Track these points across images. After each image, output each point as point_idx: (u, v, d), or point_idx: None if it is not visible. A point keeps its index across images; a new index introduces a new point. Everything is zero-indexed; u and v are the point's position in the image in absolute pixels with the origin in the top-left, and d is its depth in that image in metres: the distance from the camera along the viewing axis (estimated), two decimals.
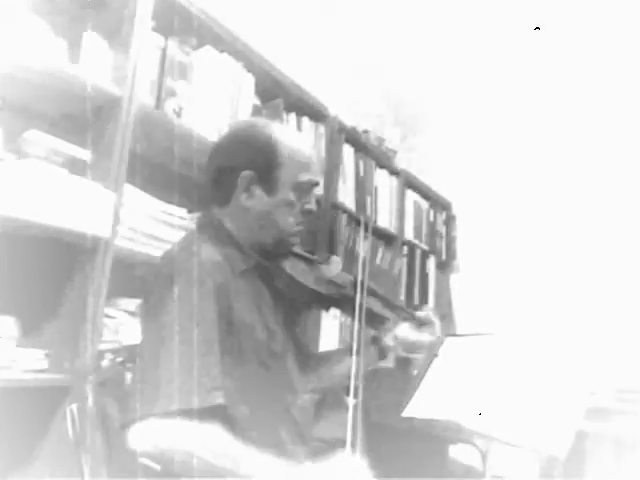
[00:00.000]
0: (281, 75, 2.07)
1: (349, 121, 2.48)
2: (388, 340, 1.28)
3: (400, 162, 2.88)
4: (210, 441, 0.93)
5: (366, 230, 2.38)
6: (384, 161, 2.75)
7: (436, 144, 3.09)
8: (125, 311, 1.56)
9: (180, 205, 1.67)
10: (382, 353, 1.29)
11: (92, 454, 1.08)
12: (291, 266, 1.21)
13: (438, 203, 3.23)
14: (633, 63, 2.65)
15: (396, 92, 2.99)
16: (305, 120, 2.23)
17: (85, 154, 1.43)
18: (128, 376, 1.13)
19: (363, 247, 2.36)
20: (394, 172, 2.83)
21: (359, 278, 1.25)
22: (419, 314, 1.29)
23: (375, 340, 1.29)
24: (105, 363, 1.18)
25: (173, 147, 1.64)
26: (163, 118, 1.64)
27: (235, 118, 1.83)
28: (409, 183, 2.96)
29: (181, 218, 1.67)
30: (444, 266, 3.22)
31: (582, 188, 2.76)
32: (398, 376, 1.90)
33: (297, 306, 1.29)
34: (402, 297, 2.82)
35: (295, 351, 1.21)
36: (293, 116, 2.17)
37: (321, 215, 2.27)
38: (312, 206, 1.22)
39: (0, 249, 1.33)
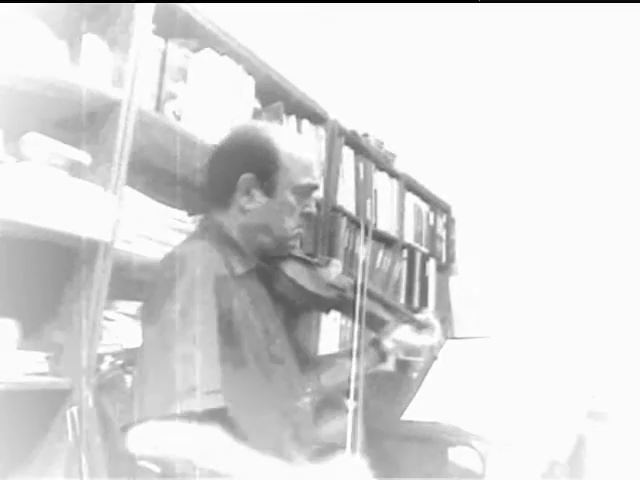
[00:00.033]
0: (281, 78, 2.08)
1: (349, 124, 2.48)
2: (388, 343, 1.28)
3: (400, 165, 2.89)
4: (210, 443, 0.93)
5: (366, 233, 2.39)
6: (384, 164, 2.75)
7: (436, 146, 3.09)
8: (125, 314, 1.56)
9: (180, 208, 1.68)
10: (382, 356, 1.29)
11: (92, 457, 1.08)
12: (291, 269, 1.21)
13: (438, 206, 3.23)
14: (631, 64, 2.66)
15: (396, 94, 2.99)
16: (305, 123, 2.23)
17: (85, 157, 1.43)
18: (128, 379, 1.13)
19: (363, 250, 2.36)
20: (394, 175, 2.83)
21: (359, 281, 1.25)
22: (419, 317, 1.29)
23: (375, 343, 1.29)
24: (105, 366, 1.18)
25: (173, 150, 1.64)
26: (163, 121, 1.64)
27: (235, 121, 1.83)
28: (409, 186, 2.96)
29: (181, 221, 1.67)
30: (444, 269, 3.22)
31: (582, 191, 2.76)
32: (398, 379, 1.90)
33: (297, 309, 1.29)
34: (402, 300, 2.82)
35: (295, 354, 1.21)
36: (293, 119, 2.17)
37: (321, 218, 2.27)
38: (312, 209, 1.22)
39: (1, 252, 1.33)
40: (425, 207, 3.13)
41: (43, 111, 1.46)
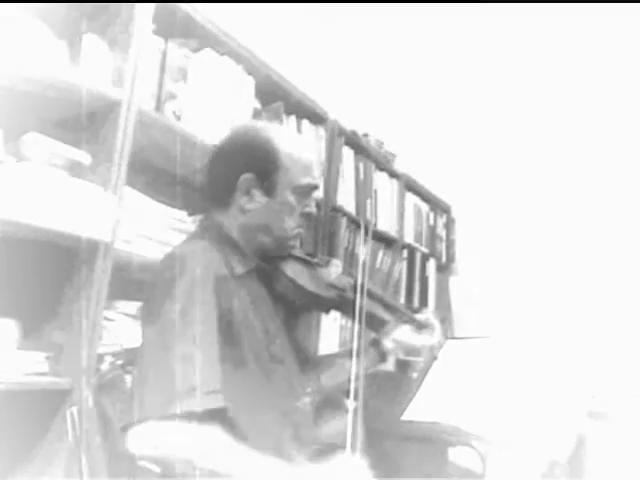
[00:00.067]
0: (281, 78, 2.08)
1: (349, 124, 2.48)
2: (388, 343, 1.28)
3: (400, 165, 2.89)
4: (210, 443, 0.93)
5: (366, 233, 2.39)
6: (384, 164, 2.75)
7: (436, 146, 3.09)
8: (125, 314, 1.56)
9: (180, 208, 1.68)
10: (382, 356, 1.29)
11: (92, 457, 1.08)
12: (291, 269, 1.21)
13: (438, 206, 3.23)
14: (631, 64, 2.66)
15: (396, 94, 2.99)
16: (305, 123, 2.23)
17: (85, 157, 1.43)
18: (128, 379, 1.13)
19: (363, 250, 2.36)
20: (394, 175, 2.83)
21: (359, 281, 1.25)
22: (419, 317, 1.29)
23: (375, 343, 1.29)
24: (105, 366, 1.18)
25: (173, 150, 1.64)
26: (163, 121, 1.64)
27: (235, 121, 1.83)
28: (409, 186, 2.96)
29: (181, 221, 1.67)
30: (444, 269, 3.22)
31: (581, 191, 2.76)
32: (398, 379, 1.90)
33: (297, 309, 1.29)
34: (402, 300, 2.82)
35: (295, 354, 1.21)
36: (293, 119, 2.17)
37: (321, 218, 2.27)
38: (312, 209, 1.22)
39: (1, 252, 1.33)
40: (425, 207, 3.13)
41: (43, 111, 1.46)
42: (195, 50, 1.77)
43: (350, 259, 2.39)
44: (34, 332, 1.40)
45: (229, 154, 1.20)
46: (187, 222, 1.68)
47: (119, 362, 1.17)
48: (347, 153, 2.48)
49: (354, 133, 2.53)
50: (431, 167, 3.08)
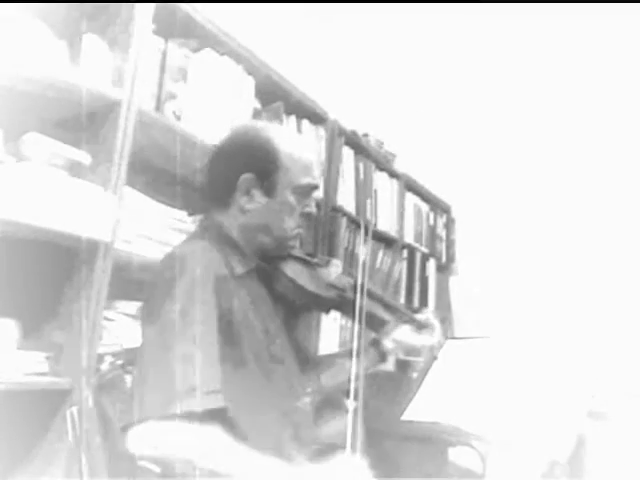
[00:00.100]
0: (281, 78, 2.08)
1: (349, 124, 2.48)
2: (388, 343, 1.28)
3: (400, 165, 2.89)
4: (210, 443, 0.93)
5: (366, 233, 2.39)
6: (384, 164, 2.75)
7: (436, 146, 3.09)
8: (125, 314, 1.56)
9: (180, 208, 1.68)
10: (382, 356, 1.29)
11: (92, 457, 1.08)
12: (291, 269, 1.21)
13: (438, 206, 3.23)
14: (631, 64, 2.66)
15: (396, 94, 2.99)
16: (305, 123, 2.24)
17: (85, 157, 1.43)
18: (128, 379, 1.13)
19: (363, 250, 2.36)
20: (394, 175, 2.83)
21: (359, 281, 1.25)
22: (419, 317, 1.29)
23: (375, 343, 1.29)
24: (105, 366, 1.18)
25: (173, 150, 1.64)
26: (163, 121, 1.64)
27: (235, 121, 1.83)
28: (409, 186, 2.96)
29: (181, 221, 1.67)
30: (444, 269, 3.22)
31: (581, 191, 2.76)
32: (398, 379, 1.90)
33: (297, 309, 1.29)
34: (402, 300, 2.82)
35: (295, 354, 1.21)
36: (293, 119, 2.17)
37: (321, 218, 2.27)
38: (312, 209, 1.22)
39: (1, 252, 1.33)
40: (425, 207, 3.13)
41: (43, 111, 1.46)
42: (195, 50, 1.77)
43: (350, 259, 2.39)
44: (34, 332, 1.40)
45: (229, 154, 1.20)
46: (187, 222, 1.68)
47: (119, 362, 1.17)
48: (347, 153, 2.48)
49: (354, 133, 2.53)
50: (431, 167, 3.08)
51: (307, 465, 1.02)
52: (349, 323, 2.32)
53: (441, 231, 3.24)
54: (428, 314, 1.30)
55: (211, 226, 1.19)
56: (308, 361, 1.27)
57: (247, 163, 1.16)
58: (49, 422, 1.37)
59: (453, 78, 3.02)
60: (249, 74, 1.95)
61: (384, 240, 2.71)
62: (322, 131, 2.31)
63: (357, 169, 2.54)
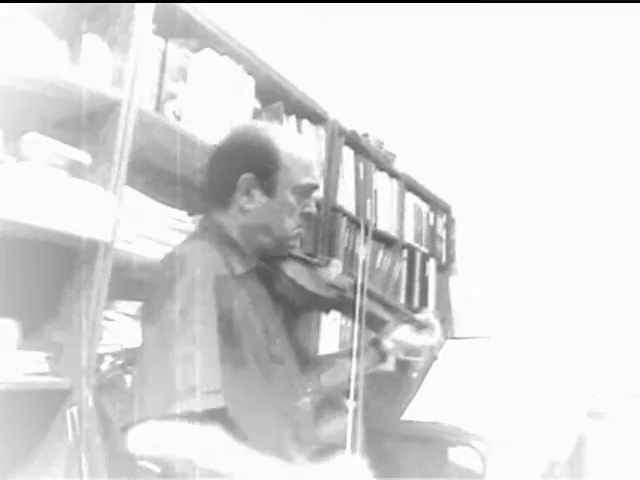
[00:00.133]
0: (281, 78, 2.08)
1: (349, 124, 2.48)
2: (388, 343, 1.28)
3: (400, 165, 2.89)
4: (210, 443, 0.93)
5: (366, 233, 2.39)
6: (384, 164, 2.75)
7: (436, 146, 3.09)
8: (125, 314, 1.56)
9: (180, 208, 1.68)
10: (382, 356, 1.29)
11: (92, 457, 1.08)
12: (291, 269, 1.21)
13: (438, 206, 3.23)
14: (631, 64, 2.66)
15: (396, 94, 2.99)
16: (305, 123, 2.24)
17: (85, 157, 1.43)
18: (128, 379, 1.13)
19: (363, 250, 2.36)
20: (394, 175, 2.83)
21: (359, 281, 1.25)
22: (419, 317, 1.29)
23: (375, 343, 1.29)
24: (105, 366, 1.18)
25: (173, 150, 1.64)
26: (163, 121, 1.64)
27: (235, 121, 1.83)
28: (409, 186, 2.96)
29: (181, 221, 1.67)
30: (444, 269, 3.22)
31: (581, 190, 2.76)
32: (398, 379, 1.90)
33: (297, 309, 1.29)
34: (402, 300, 2.82)
35: (295, 354, 1.21)
36: (293, 119, 2.17)
37: (321, 218, 2.27)
38: (312, 209, 1.22)
39: (1, 252, 1.33)
40: (425, 207, 3.13)
41: (43, 111, 1.46)
42: (195, 50, 1.77)
43: (350, 259, 2.39)
44: (34, 332, 1.40)
45: (229, 154, 1.20)
46: (187, 222, 1.68)
47: (119, 362, 1.17)
48: (347, 153, 2.48)
49: (354, 133, 2.53)
50: (431, 167, 3.08)
51: (307, 465, 1.02)
52: (349, 323, 2.32)
53: (441, 231, 3.24)
54: (428, 314, 1.30)
55: (211, 226, 1.19)
56: (308, 361, 1.27)
57: (247, 163, 1.16)
58: (49, 422, 1.37)
59: (453, 78, 3.02)
60: (249, 74, 1.95)
61: (384, 240, 2.71)
62: (322, 131, 2.31)
63: (357, 169, 2.54)
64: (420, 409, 1.17)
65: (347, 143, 2.47)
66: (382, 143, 2.79)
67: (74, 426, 1.12)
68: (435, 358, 1.27)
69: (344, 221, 2.39)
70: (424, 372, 1.26)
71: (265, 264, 1.20)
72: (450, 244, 3.30)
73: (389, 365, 1.42)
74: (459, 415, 1.12)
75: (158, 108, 1.65)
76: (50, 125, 1.45)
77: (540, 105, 2.85)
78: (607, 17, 2.62)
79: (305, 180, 1.18)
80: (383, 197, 2.72)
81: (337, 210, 2.37)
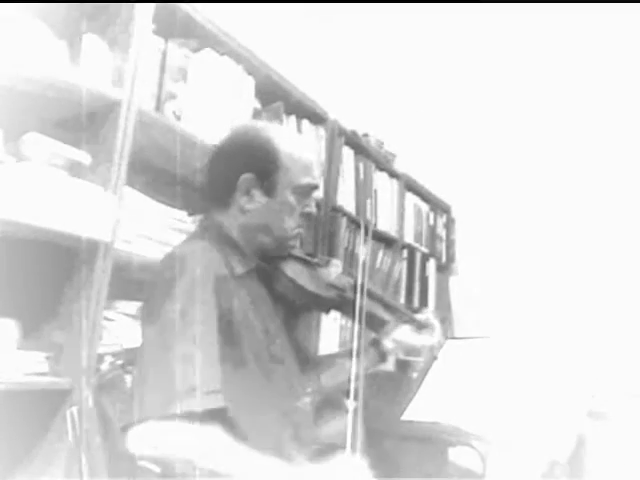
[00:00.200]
0: (281, 78, 2.08)
1: (349, 124, 2.48)
2: (388, 343, 1.28)
3: (400, 165, 2.89)
4: (210, 443, 0.93)
5: (366, 233, 2.39)
6: (384, 164, 2.75)
7: (436, 146, 3.09)
8: (125, 314, 1.56)
9: (180, 208, 1.68)
10: (382, 356, 1.29)
11: (92, 457, 1.08)
12: (291, 269, 1.21)
13: (438, 206, 3.23)
14: (631, 64, 2.66)
15: (396, 94, 2.99)
16: (305, 123, 2.24)
17: (85, 157, 1.43)
18: (128, 379, 1.13)
19: (363, 250, 2.36)
20: (394, 175, 2.83)
21: (359, 281, 1.25)
22: (419, 317, 1.29)
23: (375, 343, 1.29)
24: (105, 366, 1.18)
25: (173, 150, 1.64)
26: (163, 121, 1.64)
27: (235, 121, 1.83)
28: (409, 186, 2.96)
29: (181, 221, 1.67)
30: (444, 269, 3.22)
31: (581, 191, 2.76)
32: (398, 379, 1.90)
33: (297, 309, 1.29)
34: (402, 300, 2.82)
35: (295, 354, 1.21)
36: (293, 119, 2.17)
37: (321, 218, 2.27)
38: (312, 209, 1.22)
39: (1, 252, 1.33)
40: (425, 207, 3.13)
41: (43, 111, 1.46)
42: (195, 50, 1.77)
43: (350, 259, 2.39)
44: (34, 332, 1.40)
45: (229, 154, 1.20)
46: (187, 222, 1.68)
47: (119, 362, 1.17)
48: (347, 153, 2.48)
49: (354, 133, 2.53)
50: (431, 167, 3.08)
51: (307, 465, 1.02)
52: (349, 323, 2.32)
53: (441, 231, 3.24)
54: (428, 314, 1.30)
55: (211, 226, 1.19)
56: (308, 361, 1.27)
57: (247, 163, 1.16)
58: (49, 422, 1.37)
59: (453, 78, 3.02)
60: (249, 74, 1.95)
61: (384, 240, 2.71)
62: (322, 131, 2.31)
63: (357, 169, 2.54)
64: (420, 409, 1.17)
65: (347, 143, 2.47)
66: (382, 143, 2.79)
67: (74, 426, 1.12)
68: (435, 358, 1.27)
69: (344, 221, 2.39)
70: (424, 372, 1.26)
71: (265, 264, 1.20)
72: (450, 244, 3.30)
73: (389, 365, 1.42)
74: (459, 415, 1.12)
75: (158, 108, 1.65)
76: (50, 125, 1.45)
77: (540, 105, 2.85)
78: (607, 17, 2.62)
79: (305, 180, 1.18)
80: (383, 197, 2.72)
81: (337, 210, 2.37)
